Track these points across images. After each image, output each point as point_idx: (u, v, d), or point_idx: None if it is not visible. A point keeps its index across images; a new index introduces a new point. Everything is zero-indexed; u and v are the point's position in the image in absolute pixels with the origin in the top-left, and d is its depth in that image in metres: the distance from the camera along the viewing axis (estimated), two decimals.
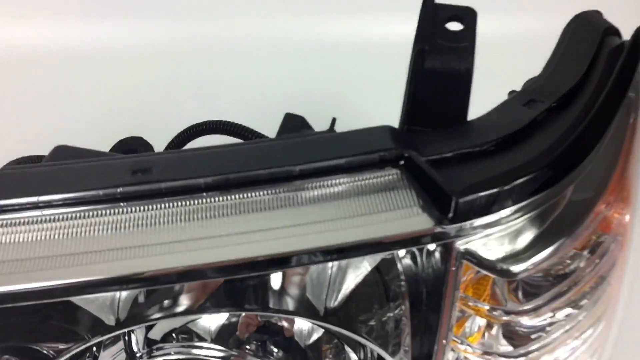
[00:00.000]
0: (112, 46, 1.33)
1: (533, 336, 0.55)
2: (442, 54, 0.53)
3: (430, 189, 0.46)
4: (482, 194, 0.45)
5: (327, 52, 1.27)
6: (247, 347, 0.55)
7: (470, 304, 0.52)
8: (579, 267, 0.52)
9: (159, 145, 0.90)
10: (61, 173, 0.48)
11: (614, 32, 0.63)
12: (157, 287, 0.45)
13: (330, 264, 0.56)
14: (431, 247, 0.49)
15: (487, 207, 0.46)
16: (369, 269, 0.57)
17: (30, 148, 0.79)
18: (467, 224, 0.46)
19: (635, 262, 0.62)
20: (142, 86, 1.27)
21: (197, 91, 1.24)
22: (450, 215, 0.45)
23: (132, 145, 0.86)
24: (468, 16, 0.56)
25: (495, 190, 0.46)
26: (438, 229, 0.45)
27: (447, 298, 0.50)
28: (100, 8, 1.35)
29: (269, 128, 0.84)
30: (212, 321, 0.56)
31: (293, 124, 0.56)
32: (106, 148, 0.88)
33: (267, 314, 0.55)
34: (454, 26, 0.56)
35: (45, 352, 0.48)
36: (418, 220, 0.45)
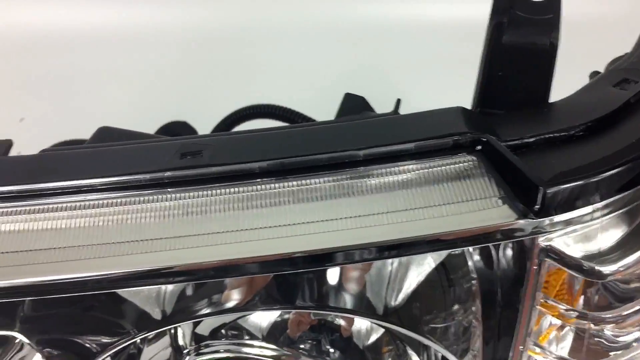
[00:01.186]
0: (155, 29, 1.31)
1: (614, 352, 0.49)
2: (522, 27, 0.48)
3: (512, 178, 0.41)
4: (573, 184, 0.39)
5: (387, 32, 1.21)
6: (301, 346, 0.51)
7: (550, 303, 0.46)
8: None
9: (203, 131, 0.87)
10: (105, 155, 0.45)
11: None
12: (206, 280, 0.41)
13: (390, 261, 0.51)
14: (508, 243, 0.44)
15: (576, 200, 0.41)
16: (434, 265, 0.52)
17: (71, 133, 0.76)
18: (560, 217, 0.41)
19: None
20: (186, 69, 1.24)
21: (244, 74, 1.21)
22: (537, 207, 0.39)
23: (176, 130, 0.82)
24: None
25: (586, 180, 0.40)
26: (521, 223, 0.40)
27: (527, 300, 0.45)
28: None
29: (322, 113, 0.79)
30: (263, 318, 0.52)
31: (353, 105, 0.51)
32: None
33: (323, 312, 0.51)
34: None
35: (88, 345, 0.45)
36: (498, 213, 0.40)
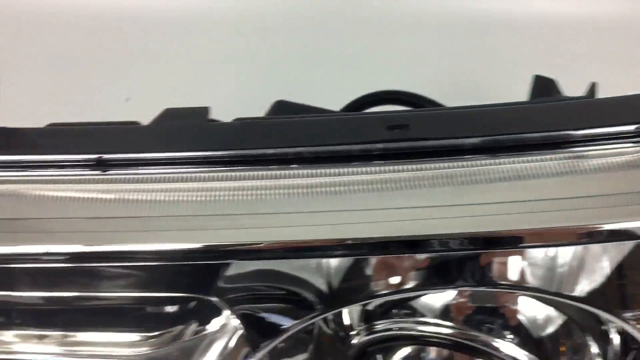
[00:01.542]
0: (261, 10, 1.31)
1: None
2: None
3: None
4: None
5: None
6: (480, 327, 0.50)
7: None
8: None
9: None
10: (305, 126, 0.44)
11: None
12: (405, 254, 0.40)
13: None
14: None
15: None
16: None
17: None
18: None
19: None
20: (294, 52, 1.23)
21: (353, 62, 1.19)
22: None
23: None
24: None
25: None
26: None
27: None
28: None
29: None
30: (437, 299, 0.51)
31: (544, 86, 0.50)
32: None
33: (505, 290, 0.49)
34: None
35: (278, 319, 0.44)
36: None
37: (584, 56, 1.11)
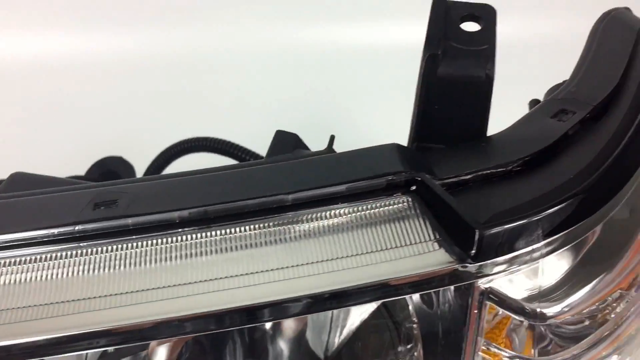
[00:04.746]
0: (89, 58, 1.25)
1: None
2: (457, 59, 0.46)
3: (448, 220, 0.39)
4: (510, 225, 0.38)
5: (325, 60, 1.19)
6: None
7: (492, 350, 0.44)
8: (619, 309, 0.45)
9: (141, 165, 0.83)
10: (10, 208, 0.41)
11: None
12: (121, 345, 0.38)
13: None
14: (455, 290, 0.42)
15: (514, 241, 0.39)
16: (374, 306, 0.50)
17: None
18: (498, 260, 0.39)
19: None
20: (123, 100, 1.19)
21: (182, 105, 1.17)
22: (473, 251, 0.37)
23: (111, 166, 0.78)
24: (486, 15, 0.48)
25: (524, 221, 0.38)
26: (458, 268, 0.38)
27: (468, 345, 0.43)
28: (76, 19, 1.26)
29: (263, 145, 0.76)
30: None
31: (285, 142, 0.49)
32: (84, 169, 0.81)
33: None
34: (470, 27, 0.48)
35: None
36: (434, 258, 0.38)
37: None
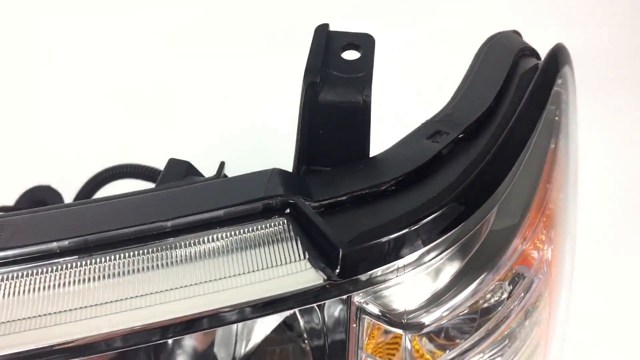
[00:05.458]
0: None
1: None
2: (336, 86, 0.49)
3: (317, 240, 0.41)
4: (371, 243, 0.40)
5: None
6: None
7: None
8: (500, 303, 0.48)
9: (71, 192, 0.84)
10: None
11: (531, 52, 0.60)
12: None
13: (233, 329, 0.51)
14: (330, 302, 0.44)
15: (384, 256, 0.41)
16: (274, 324, 0.52)
17: None
18: (364, 276, 0.41)
19: (567, 300, 0.57)
20: (55, 126, 1.19)
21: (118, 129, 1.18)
22: (338, 270, 0.39)
23: (40, 195, 0.79)
24: (365, 43, 0.51)
25: (388, 237, 0.41)
26: (325, 286, 0.40)
27: (350, 358, 0.45)
28: None
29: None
30: None
31: (177, 171, 0.51)
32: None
33: None
34: (351, 55, 0.51)
35: None
36: (304, 276, 0.40)
37: None
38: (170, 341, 0.51)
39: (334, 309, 0.45)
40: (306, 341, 0.48)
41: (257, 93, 1.24)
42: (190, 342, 0.52)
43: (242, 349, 0.54)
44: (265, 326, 0.52)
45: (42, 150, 1.15)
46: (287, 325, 0.53)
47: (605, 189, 1.25)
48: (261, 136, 1.13)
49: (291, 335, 0.52)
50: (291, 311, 0.45)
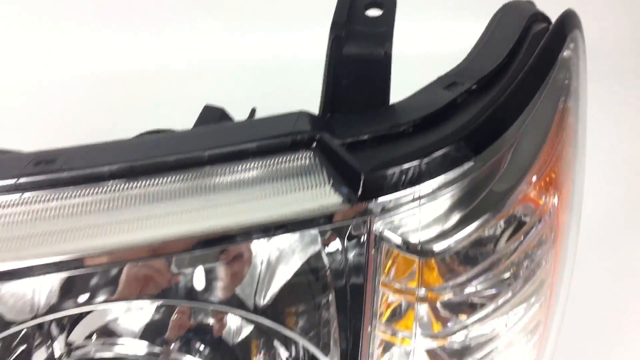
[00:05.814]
0: None
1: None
2: (359, 40, 0.53)
3: (341, 169, 0.45)
4: (391, 169, 0.44)
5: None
6: (173, 344, 0.53)
7: (397, 286, 0.50)
8: (500, 243, 0.51)
9: None
10: None
11: (542, 18, 0.63)
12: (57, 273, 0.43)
13: (259, 259, 0.55)
14: (354, 231, 0.48)
15: (400, 183, 0.45)
16: (300, 263, 0.56)
17: None
18: (382, 201, 0.45)
19: (573, 250, 0.61)
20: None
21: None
22: (360, 192, 0.44)
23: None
24: (388, 2, 0.56)
25: (405, 165, 0.45)
26: (346, 206, 0.44)
27: (369, 283, 0.49)
28: None
29: None
30: (136, 321, 0.54)
31: (211, 116, 0.55)
32: None
33: (193, 305, 0.53)
34: (374, 12, 0.55)
35: None
36: (327, 199, 0.44)
37: None
38: (203, 278, 0.55)
39: (354, 238, 0.49)
40: (328, 273, 0.52)
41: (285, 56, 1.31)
42: (214, 277, 0.56)
43: (263, 294, 0.57)
44: (290, 267, 0.56)
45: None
46: (310, 265, 0.57)
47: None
48: (290, 85, 1.18)
49: (314, 274, 0.56)
50: (326, 241, 0.48)
